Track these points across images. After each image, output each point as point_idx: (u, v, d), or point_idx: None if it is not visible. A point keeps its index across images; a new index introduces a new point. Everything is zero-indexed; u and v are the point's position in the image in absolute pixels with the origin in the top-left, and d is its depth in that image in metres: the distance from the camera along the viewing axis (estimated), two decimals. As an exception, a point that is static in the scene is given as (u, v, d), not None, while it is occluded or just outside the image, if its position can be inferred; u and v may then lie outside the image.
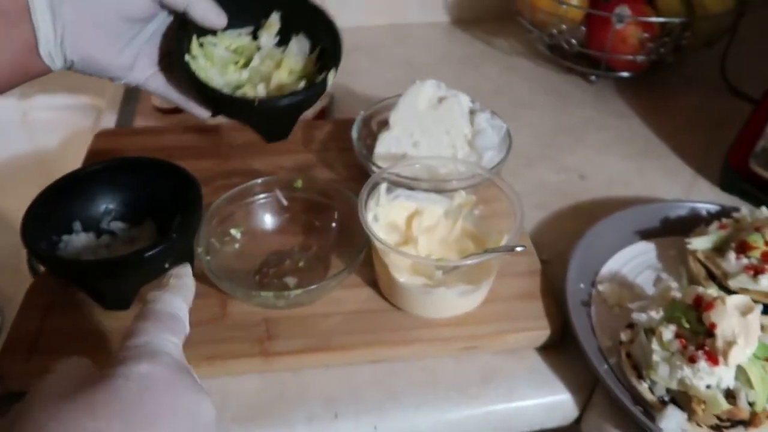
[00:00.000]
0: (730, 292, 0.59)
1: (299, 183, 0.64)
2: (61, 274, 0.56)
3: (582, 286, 0.62)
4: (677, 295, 0.56)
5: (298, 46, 0.61)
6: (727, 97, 0.95)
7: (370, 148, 0.71)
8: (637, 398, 0.52)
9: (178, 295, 0.43)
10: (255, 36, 0.62)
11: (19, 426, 0.32)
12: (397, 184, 0.62)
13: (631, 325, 0.56)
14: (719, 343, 0.49)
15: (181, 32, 0.56)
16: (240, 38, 0.61)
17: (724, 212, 0.69)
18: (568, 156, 0.83)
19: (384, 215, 0.61)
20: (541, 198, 0.76)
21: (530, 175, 0.80)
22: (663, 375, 0.50)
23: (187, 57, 0.56)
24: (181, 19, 0.56)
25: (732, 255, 0.60)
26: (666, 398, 0.51)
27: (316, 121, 0.85)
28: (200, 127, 0.80)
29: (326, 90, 0.58)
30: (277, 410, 0.53)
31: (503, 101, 0.94)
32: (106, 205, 0.63)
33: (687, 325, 0.52)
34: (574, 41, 0.91)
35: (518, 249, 0.52)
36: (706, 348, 0.49)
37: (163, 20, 0.56)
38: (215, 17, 0.56)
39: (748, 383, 0.49)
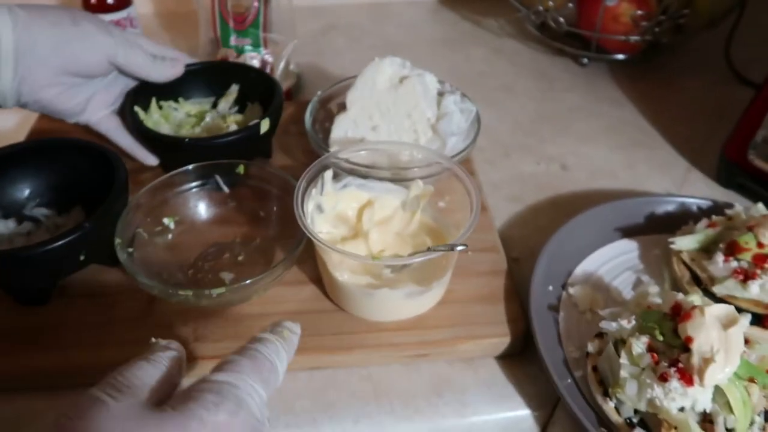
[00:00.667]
0: (716, 298, 0.52)
1: (241, 168, 0.58)
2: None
3: (551, 288, 0.55)
4: (655, 301, 0.49)
5: (252, 112, 0.70)
6: (732, 83, 0.87)
7: (329, 132, 0.65)
8: (603, 418, 0.46)
9: (285, 348, 0.39)
10: (215, 105, 0.71)
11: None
12: (346, 171, 0.56)
13: (600, 335, 0.50)
14: (695, 359, 0.43)
15: (139, 90, 0.65)
16: (200, 106, 0.71)
17: (717, 208, 0.62)
18: (551, 145, 0.77)
19: (330, 206, 0.55)
20: (516, 190, 0.70)
21: (507, 165, 0.73)
22: (631, 394, 0.44)
23: (137, 107, 0.63)
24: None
25: (720, 257, 0.53)
26: (634, 420, 0.45)
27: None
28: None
29: (258, 134, 0.62)
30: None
31: (486, 85, 0.87)
32: (29, 189, 0.57)
33: (661, 338, 0.45)
34: (562, 20, 0.84)
35: (458, 248, 0.46)
36: (680, 365, 0.43)
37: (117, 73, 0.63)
38: (170, 70, 0.64)
39: (727, 407, 0.42)
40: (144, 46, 0.62)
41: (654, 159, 0.75)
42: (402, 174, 0.58)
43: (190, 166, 0.57)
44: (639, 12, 0.79)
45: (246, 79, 0.70)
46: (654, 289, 0.52)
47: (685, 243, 0.56)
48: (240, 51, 0.79)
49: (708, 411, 0.43)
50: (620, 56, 0.87)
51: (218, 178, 0.58)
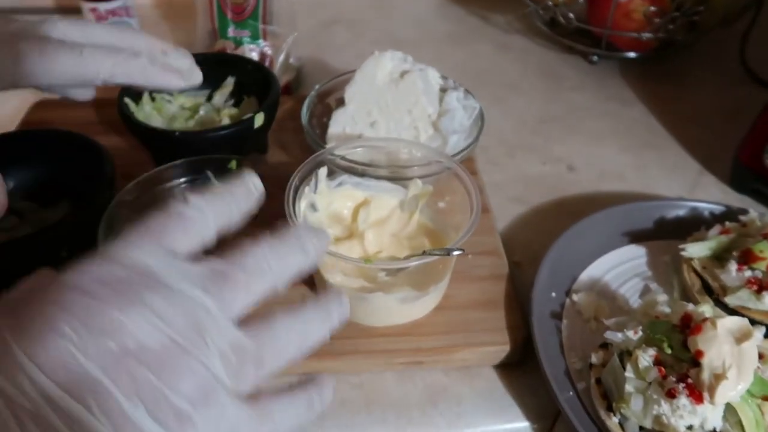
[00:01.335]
0: (728, 309, 0.50)
1: (233, 164, 0.56)
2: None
3: (554, 294, 0.53)
4: (664, 310, 0.47)
5: (247, 106, 0.67)
6: (747, 84, 0.84)
7: (327, 128, 0.62)
8: (605, 434, 0.44)
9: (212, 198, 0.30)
10: (210, 98, 0.68)
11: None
12: (342, 168, 0.54)
13: (604, 345, 0.48)
14: (705, 375, 0.40)
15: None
16: (195, 99, 0.67)
17: (730, 214, 0.59)
18: (557, 145, 0.74)
19: (324, 204, 0.53)
20: (520, 191, 0.67)
21: (511, 165, 0.71)
22: (636, 409, 0.42)
23: (126, 99, 0.60)
24: None
25: (733, 266, 0.51)
26: (639, 437, 0.42)
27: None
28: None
29: (252, 129, 0.59)
30: None
31: (491, 82, 0.84)
32: (13, 181, 0.55)
33: (669, 350, 0.43)
34: (572, 15, 0.81)
35: (454, 253, 0.44)
36: (690, 380, 0.40)
37: None
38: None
39: (739, 426, 0.40)
40: None
41: (665, 161, 0.72)
42: (400, 173, 0.56)
43: (180, 161, 0.54)
44: (652, 8, 0.76)
45: (242, 72, 0.67)
46: (662, 297, 0.49)
47: (696, 250, 0.53)
48: (238, 43, 0.77)
49: (718, 430, 0.40)
50: (631, 54, 0.84)
51: (209, 174, 0.56)
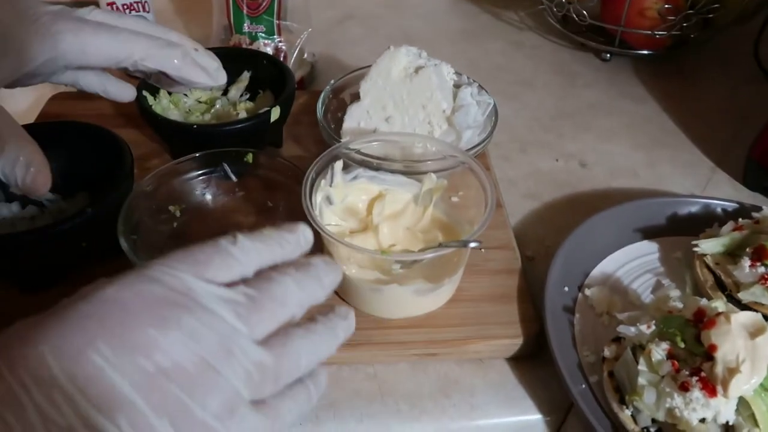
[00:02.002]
0: (740, 305, 0.50)
1: (249, 157, 0.57)
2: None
3: (566, 289, 0.53)
4: (676, 306, 0.47)
5: (263, 100, 0.68)
6: (760, 82, 0.84)
7: (341, 123, 0.63)
8: (618, 427, 0.44)
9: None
10: (226, 92, 0.69)
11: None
12: (357, 162, 0.54)
13: (617, 339, 0.48)
14: (719, 369, 0.40)
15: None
16: (211, 93, 0.68)
17: (743, 211, 0.59)
18: (570, 142, 0.74)
19: (340, 198, 0.53)
20: (533, 187, 0.67)
21: (524, 161, 0.71)
22: (649, 402, 0.42)
23: (145, 92, 0.61)
24: None
25: (746, 262, 0.51)
26: (651, 430, 0.43)
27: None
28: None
29: (269, 123, 0.60)
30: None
31: (504, 79, 0.85)
32: None
33: (682, 344, 0.43)
34: (585, 12, 0.81)
35: (471, 245, 0.44)
36: (703, 374, 0.41)
37: None
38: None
39: (752, 420, 0.40)
40: None
41: (677, 159, 0.73)
42: (415, 167, 0.56)
43: (197, 154, 0.55)
44: (666, 6, 0.76)
45: (258, 67, 0.68)
46: (675, 293, 0.49)
47: (709, 246, 0.54)
48: (253, 38, 0.77)
49: (731, 423, 0.41)
50: (645, 52, 0.84)
51: (226, 167, 0.57)
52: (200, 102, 0.68)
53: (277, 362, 0.28)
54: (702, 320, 0.44)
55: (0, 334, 0.26)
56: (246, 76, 0.69)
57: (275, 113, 0.60)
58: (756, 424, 0.40)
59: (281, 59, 0.77)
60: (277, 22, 0.77)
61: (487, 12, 1.01)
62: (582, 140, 0.74)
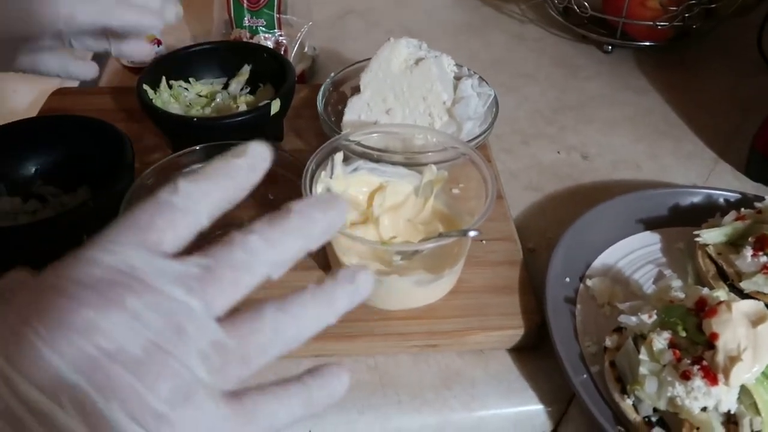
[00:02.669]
0: (742, 295, 0.50)
1: (250, 150, 0.56)
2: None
3: (568, 280, 0.53)
4: (678, 296, 0.47)
5: (263, 94, 0.67)
6: (763, 73, 0.83)
7: (342, 116, 0.63)
8: (619, 416, 0.44)
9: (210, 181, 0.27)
10: (226, 86, 0.69)
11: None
12: (357, 154, 0.54)
13: (619, 329, 0.48)
14: (720, 357, 0.40)
15: (149, 69, 0.64)
16: (212, 87, 0.69)
17: (745, 201, 0.59)
18: (572, 133, 0.74)
19: (340, 189, 0.53)
20: (535, 178, 0.67)
21: (526, 153, 0.71)
22: (650, 392, 0.42)
23: (145, 86, 0.62)
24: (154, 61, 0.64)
25: (748, 251, 0.51)
26: (653, 419, 0.43)
27: (291, 85, 0.78)
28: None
29: (269, 116, 0.60)
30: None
31: (506, 71, 0.84)
32: (36, 166, 0.57)
33: (684, 334, 0.43)
34: (586, 4, 0.81)
35: (471, 234, 0.44)
36: (704, 363, 0.40)
37: None
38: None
39: (754, 408, 0.40)
40: None
41: (679, 150, 0.72)
42: (415, 158, 0.56)
43: (198, 147, 0.55)
44: (668, -4, 0.76)
45: (258, 60, 0.68)
46: (677, 283, 0.49)
47: (711, 236, 0.53)
48: (254, 32, 0.77)
49: (733, 412, 0.41)
50: (647, 43, 0.84)
51: (226, 160, 0.57)
52: (201, 96, 0.68)
53: (242, 341, 0.25)
54: (703, 309, 0.43)
55: None
56: (246, 69, 0.69)
57: (275, 106, 0.60)
58: (758, 412, 0.40)
59: (282, 53, 0.77)
60: (278, 15, 0.77)
61: (488, 5, 1.01)
62: (584, 132, 0.74)
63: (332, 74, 0.65)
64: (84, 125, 0.56)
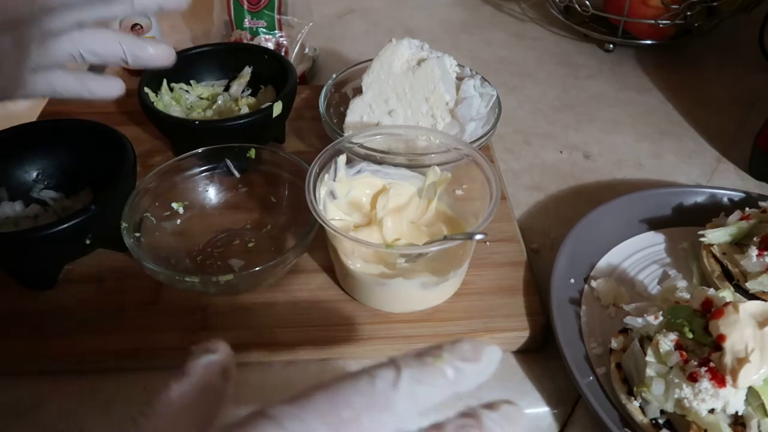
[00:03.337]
0: (747, 295, 0.49)
1: (252, 153, 0.56)
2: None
3: (572, 281, 0.53)
4: (684, 296, 0.47)
5: (265, 96, 0.67)
6: (765, 70, 0.83)
7: (344, 117, 0.63)
8: (626, 418, 0.44)
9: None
10: (227, 88, 0.69)
11: None
12: (360, 156, 0.54)
13: (624, 331, 0.48)
14: (728, 359, 0.40)
15: (151, 72, 0.63)
16: (213, 89, 0.69)
17: (750, 200, 0.59)
18: (574, 133, 0.74)
19: (343, 192, 0.53)
20: (537, 179, 0.67)
21: (528, 153, 0.71)
22: (657, 393, 0.42)
23: (146, 89, 0.62)
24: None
25: (754, 251, 0.50)
26: (660, 421, 0.43)
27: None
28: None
29: (271, 118, 0.60)
30: (206, 411, 0.46)
31: (507, 71, 0.84)
32: (37, 171, 0.56)
33: (690, 335, 0.43)
34: (587, 3, 0.81)
35: (477, 237, 0.44)
36: (712, 364, 0.40)
37: None
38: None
39: (762, 410, 0.40)
40: None
41: (682, 149, 0.72)
42: (418, 160, 0.56)
43: (200, 150, 0.55)
44: (670, -5, 0.76)
45: (259, 62, 0.68)
46: (682, 283, 0.49)
47: (716, 236, 0.53)
48: (254, 33, 0.77)
49: (740, 413, 0.40)
50: (648, 42, 0.84)
51: (228, 163, 0.57)
52: (202, 98, 0.68)
53: None
54: (710, 310, 0.43)
55: None
56: (247, 71, 0.68)
57: (277, 108, 0.60)
58: (766, 413, 0.40)
59: (282, 54, 0.77)
60: (278, 17, 0.77)
61: (488, 4, 1.00)
62: (586, 131, 0.74)
63: (334, 75, 0.65)
64: (85, 129, 0.55)
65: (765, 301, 0.47)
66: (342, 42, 0.90)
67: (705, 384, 0.40)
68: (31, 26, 0.39)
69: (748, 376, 0.39)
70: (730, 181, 0.67)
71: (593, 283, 0.53)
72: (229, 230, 0.57)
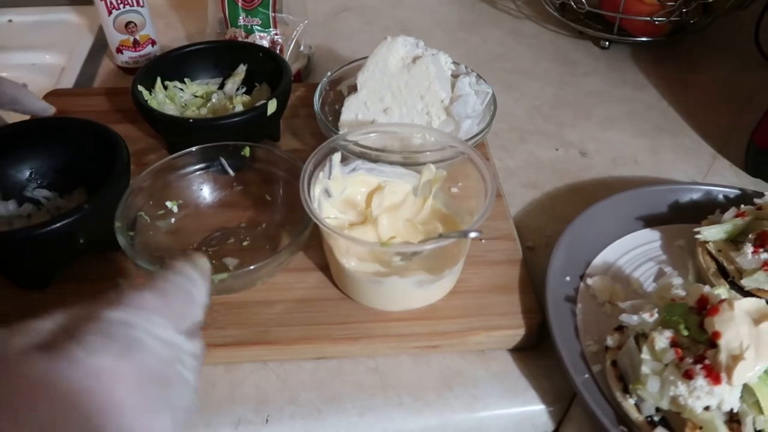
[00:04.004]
0: (743, 292, 0.49)
1: (247, 151, 0.56)
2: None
3: (568, 278, 0.53)
4: (679, 294, 0.46)
5: (259, 94, 0.67)
6: (761, 67, 0.84)
7: (339, 115, 0.62)
8: (622, 416, 0.44)
9: (200, 275, 0.34)
10: (222, 86, 0.69)
11: None
12: (355, 154, 0.54)
13: (620, 328, 0.48)
14: (723, 356, 0.40)
15: (145, 70, 0.63)
16: (207, 87, 0.68)
17: (745, 197, 0.59)
18: (570, 130, 0.74)
19: (338, 190, 0.53)
20: (533, 176, 0.67)
21: (524, 151, 0.70)
22: (652, 391, 0.42)
23: (140, 87, 0.61)
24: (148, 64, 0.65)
25: (749, 248, 0.50)
26: (655, 418, 0.43)
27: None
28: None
29: (265, 116, 0.60)
30: (201, 410, 0.46)
31: (503, 68, 0.84)
32: (30, 170, 0.56)
33: (686, 332, 0.43)
34: (583, 0, 0.80)
35: (471, 235, 0.44)
36: (707, 362, 0.40)
37: None
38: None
39: (757, 407, 0.40)
40: None
41: (678, 146, 0.72)
42: (414, 158, 0.55)
43: (194, 148, 0.55)
44: (665, -9, 0.76)
45: (254, 60, 0.67)
46: (678, 281, 0.49)
47: (711, 233, 0.53)
48: (249, 31, 0.76)
49: (735, 411, 0.40)
50: (644, 39, 0.83)
51: (223, 161, 0.56)
52: (196, 96, 0.67)
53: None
54: (705, 307, 0.43)
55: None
56: (242, 69, 0.68)
57: (272, 106, 0.59)
58: (761, 411, 0.40)
59: (277, 52, 0.76)
60: (273, 14, 0.77)
61: (484, 1, 1.00)
62: (582, 129, 0.74)
63: (329, 73, 0.64)
64: (79, 127, 0.55)
65: (760, 298, 0.47)
66: (337, 40, 0.89)
67: (700, 381, 0.40)
68: None
69: (743, 373, 0.39)
70: (725, 178, 0.67)
71: (589, 281, 0.53)
72: (224, 229, 0.56)
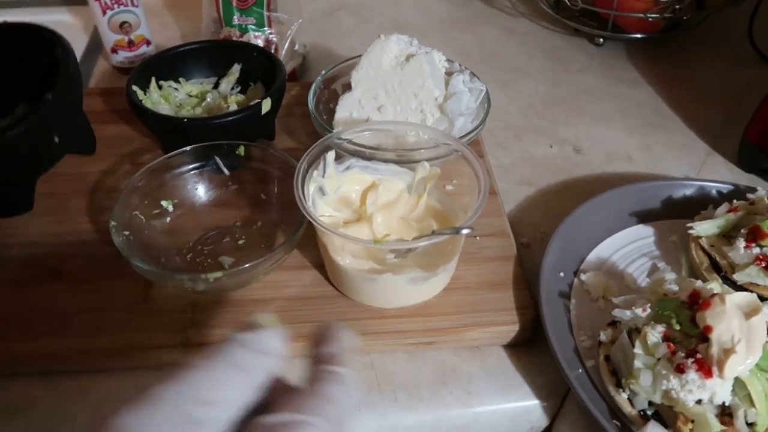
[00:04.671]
0: (735, 286, 0.50)
1: (242, 150, 0.56)
2: None
3: (562, 274, 0.53)
4: (672, 288, 0.47)
5: (254, 93, 0.67)
6: (754, 63, 0.84)
7: (334, 113, 0.62)
8: (615, 410, 0.44)
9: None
10: (217, 85, 0.69)
11: None
12: (349, 152, 0.54)
13: (613, 323, 0.48)
14: (714, 350, 0.40)
15: (139, 70, 0.63)
16: (202, 86, 0.69)
17: (738, 193, 0.59)
18: (564, 127, 0.74)
19: (333, 188, 0.53)
20: (527, 173, 0.67)
21: (518, 148, 0.71)
22: (645, 385, 0.42)
23: (135, 87, 0.61)
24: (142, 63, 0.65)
25: (741, 243, 0.51)
26: (648, 412, 0.43)
27: (282, 83, 0.77)
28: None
29: (260, 115, 0.60)
30: (197, 408, 0.47)
31: (497, 66, 0.84)
32: None
33: (678, 327, 0.43)
34: (577, -3, 0.81)
35: (464, 232, 0.44)
36: (699, 356, 0.41)
37: None
38: None
39: (748, 400, 0.40)
40: None
41: (671, 142, 0.72)
42: (408, 156, 0.56)
43: (189, 147, 0.55)
44: (658, -12, 0.76)
45: (248, 59, 0.68)
46: (671, 276, 0.49)
47: (704, 228, 0.54)
48: (243, 30, 0.77)
49: (727, 404, 0.41)
50: (638, 35, 0.84)
51: (218, 160, 0.56)
52: (191, 96, 0.68)
53: None
54: (697, 302, 0.43)
55: None
56: (236, 68, 0.68)
57: (266, 105, 0.60)
58: (752, 404, 0.40)
59: (272, 51, 0.76)
60: (267, 13, 0.77)
61: (479, -1, 1.00)
62: (576, 126, 0.74)
63: (323, 72, 0.65)
64: (5, 36, 0.52)
65: (752, 292, 0.47)
66: (332, 38, 0.89)
67: (692, 375, 0.40)
68: None
69: (735, 367, 0.39)
70: (719, 173, 0.67)
71: (583, 277, 0.53)
72: (219, 228, 0.56)
